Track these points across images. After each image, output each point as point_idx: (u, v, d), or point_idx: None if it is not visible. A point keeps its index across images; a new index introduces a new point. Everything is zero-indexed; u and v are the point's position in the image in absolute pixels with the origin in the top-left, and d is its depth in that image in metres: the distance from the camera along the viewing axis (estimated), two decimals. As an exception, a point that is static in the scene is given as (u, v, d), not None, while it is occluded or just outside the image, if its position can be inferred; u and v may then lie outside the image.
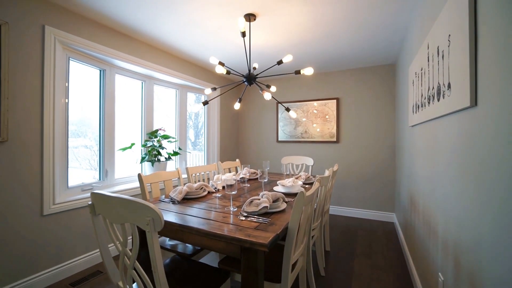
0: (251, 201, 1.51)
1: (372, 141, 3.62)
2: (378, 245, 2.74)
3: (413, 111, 2.02)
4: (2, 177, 1.72)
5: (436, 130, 1.45)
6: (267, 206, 1.45)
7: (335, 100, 3.81)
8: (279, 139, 4.28)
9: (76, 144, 2.37)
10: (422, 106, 1.69)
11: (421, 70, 1.70)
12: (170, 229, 1.35)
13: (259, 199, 1.52)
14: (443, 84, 1.22)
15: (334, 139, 3.82)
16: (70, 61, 2.21)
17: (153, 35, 2.57)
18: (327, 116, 3.88)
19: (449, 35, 1.14)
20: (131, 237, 2.43)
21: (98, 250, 2.27)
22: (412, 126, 2.12)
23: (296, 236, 1.29)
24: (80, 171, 2.44)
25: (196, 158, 4.17)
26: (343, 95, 3.80)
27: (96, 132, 2.53)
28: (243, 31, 1.79)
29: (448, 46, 1.16)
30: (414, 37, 2.05)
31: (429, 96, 1.49)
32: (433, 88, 1.41)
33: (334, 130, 3.82)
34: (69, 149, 2.22)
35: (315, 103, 3.97)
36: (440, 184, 1.36)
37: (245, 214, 1.44)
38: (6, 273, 1.74)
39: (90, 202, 1.10)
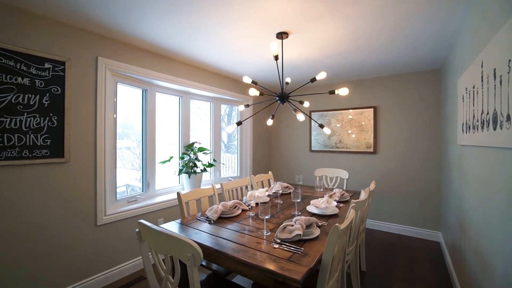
0: (284, 227, 1.51)
1: (414, 153, 3.36)
2: (421, 268, 2.54)
3: (462, 130, 1.83)
4: (66, 193, 1.98)
5: (491, 160, 1.30)
6: (300, 234, 1.44)
7: (372, 109, 3.62)
8: (312, 149, 4.20)
9: (119, 145, 2.58)
10: (474, 128, 1.53)
11: (473, 88, 1.54)
12: (207, 253, 1.42)
13: (292, 225, 1.52)
14: (501, 114, 1.10)
15: (371, 150, 3.62)
16: (117, 85, 2.44)
17: (190, 55, 2.71)
18: (363, 123, 3.70)
19: (510, 60, 1.02)
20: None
21: (141, 257, 2.48)
22: (462, 145, 1.93)
23: (330, 267, 1.27)
24: (124, 170, 2.69)
25: (229, 162, 4.26)
26: (381, 103, 3.59)
27: (137, 133, 2.76)
28: (275, 54, 1.80)
29: (508, 72, 1.03)
30: (465, 47, 1.86)
31: (483, 121, 1.34)
32: (487, 113, 1.27)
33: (371, 140, 3.62)
34: (114, 151, 2.43)
35: (350, 111, 3.82)
36: (498, 223, 1.22)
37: (278, 241, 1.45)
38: (67, 276, 1.99)
39: (137, 230, 1.20)
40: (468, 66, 1.70)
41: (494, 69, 1.18)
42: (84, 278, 2.09)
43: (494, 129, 1.18)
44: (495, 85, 1.17)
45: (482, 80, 1.37)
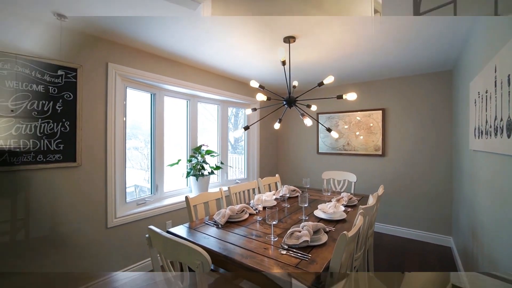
0: (292, 233, 1.52)
1: (423, 156, 3.30)
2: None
3: (475, 135, 1.79)
4: (78, 196, 2.03)
5: (505, 167, 1.27)
6: (307, 240, 1.44)
7: (380, 111, 3.57)
8: (319, 151, 4.17)
9: (128, 146, 2.61)
10: (486, 134, 1.49)
11: (486, 92, 1.51)
12: (215, 258, 1.43)
13: (300, 231, 1.52)
14: (515, 122, 1.07)
15: (379, 152, 3.58)
16: (127, 89, 2.49)
17: (196, 59, 2.74)
18: (371, 125, 3.66)
19: (523, 67, 1.00)
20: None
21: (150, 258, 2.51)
22: (474, 150, 1.89)
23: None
24: (133, 170, 2.74)
25: (236, 163, 4.26)
26: (389, 105, 3.54)
27: (145, 134, 2.80)
28: (283, 60, 1.80)
29: (522, 79, 1.01)
30: (478, 49, 1.82)
31: (496, 127, 1.31)
32: (501, 119, 1.24)
33: (380, 143, 3.58)
34: (124, 154, 2.47)
35: (358, 113, 3.77)
36: (511, 230, 1.19)
37: (285, 247, 1.46)
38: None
39: (147, 235, 1.23)
40: (481, 69, 1.66)
41: (509, 75, 1.15)
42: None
43: (508, 136, 1.15)
44: (509, 92, 1.15)
45: (495, 86, 1.34)
